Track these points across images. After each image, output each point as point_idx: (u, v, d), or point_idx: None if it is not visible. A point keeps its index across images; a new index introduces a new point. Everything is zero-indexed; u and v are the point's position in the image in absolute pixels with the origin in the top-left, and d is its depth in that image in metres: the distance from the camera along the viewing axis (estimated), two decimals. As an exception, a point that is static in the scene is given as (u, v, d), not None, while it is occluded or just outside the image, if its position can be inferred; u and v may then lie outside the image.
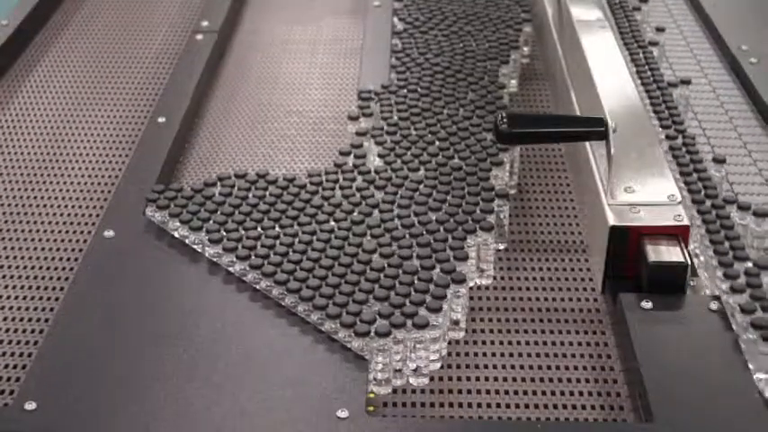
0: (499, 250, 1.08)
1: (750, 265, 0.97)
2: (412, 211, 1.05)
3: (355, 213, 1.05)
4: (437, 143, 1.16)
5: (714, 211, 1.04)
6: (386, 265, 0.97)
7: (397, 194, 1.08)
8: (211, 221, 1.04)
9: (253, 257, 0.99)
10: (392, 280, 0.96)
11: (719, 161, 1.13)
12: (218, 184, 1.10)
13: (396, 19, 1.45)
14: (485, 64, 1.32)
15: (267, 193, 1.08)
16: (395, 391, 0.91)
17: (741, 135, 1.25)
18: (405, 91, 1.26)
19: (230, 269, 1.00)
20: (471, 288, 1.02)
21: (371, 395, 0.89)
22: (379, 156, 1.14)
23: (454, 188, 1.08)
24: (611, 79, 1.20)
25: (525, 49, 1.42)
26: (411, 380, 0.91)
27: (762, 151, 1.22)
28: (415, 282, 0.95)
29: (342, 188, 1.08)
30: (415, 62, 1.33)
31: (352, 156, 1.14)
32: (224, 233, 1.02)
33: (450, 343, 0.95)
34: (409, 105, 1.23)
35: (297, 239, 1.01)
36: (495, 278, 1.05)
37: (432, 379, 0.92)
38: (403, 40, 1.39)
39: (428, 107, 1.23)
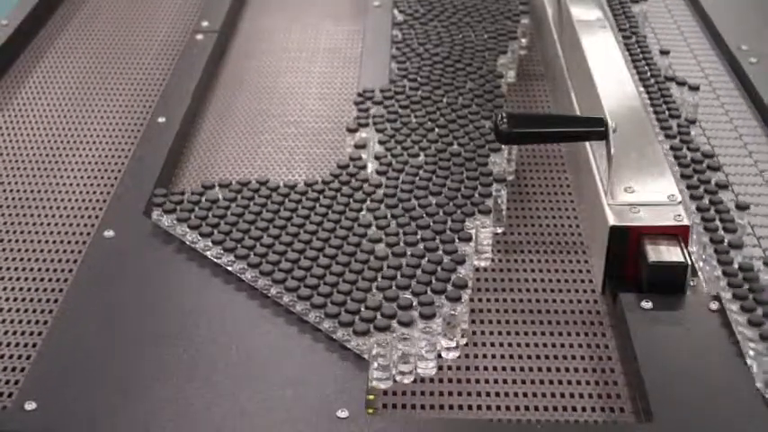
0: (497, 234, 1.09)
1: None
2: (413, 195, 1.07)
3: (363, 212, 1.06)
4: (437, 130, 1.18)
5: (714, 209, 1.04)
6: (391, 257, 0.99)
7: (399, 179, 1.10)
8: (220, 227, 1.03)
9: (264, 263, 0.98)
10: (411, 271, 0.97)
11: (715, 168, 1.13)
12: (225, 189, 1.09)
13: (396, 11, 1.46)
14: (483, 54, 1.34)
15: (269, 201, 1.07)
16: (394, 392, 0.91)
17: (742, 136, 1.25)
18: (405, 81, 1.28)
19: (242, 275, 0.99)
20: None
21: (371, 397, 0.89)
22: (380, 142, 1.16)
23: (453, 173, 1.10)
24: (611, 79, 1.20)
25: (523, 40, 1.44)
26: (420, 369, 0.92)
27: (762, 152, 1.22)
28: (438, 270, 0.96)
29: (343, 195, 1.08)
30: (414, 52, 1.35)
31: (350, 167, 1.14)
32: (235, 241, 1.01)
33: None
34: (408, 95, 1.25)
35: (309, 246, 1.01)
36: (494, 279, 1.05)
37: (432, 380, 0.92)
38: (403, 31, 1.41)
39: (428, 96, 1.25)
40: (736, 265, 0.97)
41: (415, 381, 0.92)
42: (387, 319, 0.91)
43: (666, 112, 1.20)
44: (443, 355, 0.94)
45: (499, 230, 1.10)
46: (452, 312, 0.93)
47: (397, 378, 0.91)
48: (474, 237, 1.02)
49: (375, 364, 0.90)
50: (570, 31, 1.33)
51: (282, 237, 1.02)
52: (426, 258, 0.98)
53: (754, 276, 0.95)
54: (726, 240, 1.00)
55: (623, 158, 1.06)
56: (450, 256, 0.98)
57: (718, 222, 1.02)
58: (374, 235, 1.01)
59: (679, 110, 1.20)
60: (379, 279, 0.96)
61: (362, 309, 0.92)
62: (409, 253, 0.99)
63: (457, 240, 1.01)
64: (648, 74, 1.27)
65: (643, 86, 1.24)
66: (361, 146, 1.16)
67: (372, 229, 1.03)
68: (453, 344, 0.93)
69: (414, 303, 0.92)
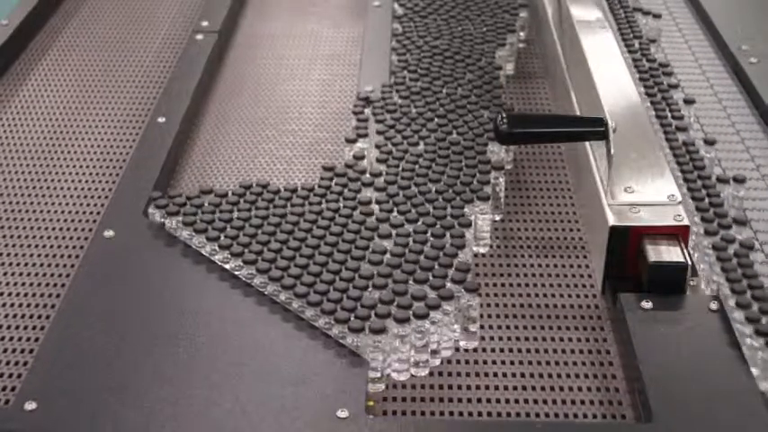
0: (495, 221, 1.11)
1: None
2: (413, 182, 1.09)
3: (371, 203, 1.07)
4: (436, 120, 1.20)
5: (714, 210, 1.04)
6: (395, 246, 1.00)
7: (399, 167, 1.11)
8: (227, 230, 1.03)
9: (260, 261, 0.98)
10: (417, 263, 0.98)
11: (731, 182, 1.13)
12: (228, 194, 1.08)
13: (396, 4, 1.48)
14: (482, 47, 1.36)
15: (271, 205, 1.06)
16: (395, 388, 0.91)
17: (742, 137, 1.25)
18: (405, 72, 1.30)
19: (240, 276, 0.99)
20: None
21: (371, 403, 0.89)
22: (378, 132, 1.17)
23: (452, 161, 1.12)
24: (611, 79, 1.20)
25: (522, 34, 1.45)
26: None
27: (762, 152, 1.22)
28: (441, 256, 0.98)
29: (344, 197, 1.08)
30: (414, 45, 1.37)
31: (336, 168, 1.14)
32: (242, 246, 1.00)
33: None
34: (408, 86, 1.26)
35: (304, 244, 1.01)
36: (493, 282, 1.05)
37: (431, 380, 0.92)
38: (403, 24, 1.42)
39: (427, 87, 1.26)
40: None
41: (414, 379, 0.92)
42: (404, 311, 0.92)
43: (668, 115, 1.21)
44: (462, 344, 0.95)
45: (497, 218, 1.11)
46: (470, 303, 0.94)
47: (412, 371, 0.92)
48: (473, 223, 1.04)
49: (395, 356, 0.90)
50: (570, 31, 1.33)
51: (290, 241, 1.01)
52: (429, 244, 1.00)
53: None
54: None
55: (623, 158, 1.06)
56: (451, 241, 1.00)
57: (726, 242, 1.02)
58: (383, 231, 1.02)
59: (682, 111, 1.21)
60: (397, 272, 0.97)
61: (378, 305, 0.92)
62: (412, 240, 1.00)
63: (456, 226, 1.02)
64: (648, 74, 1.28)
65: (643, 87, 1.25)
66: (359, 157, 1.15)
67: (379, 225, 1.03)
68: (474, 329, 0.95)
69: (431, 295, 0.94)
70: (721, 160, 1.19)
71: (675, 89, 1.26)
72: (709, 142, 1.16)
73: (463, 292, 0.94)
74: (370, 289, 0.95)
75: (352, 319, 0.91)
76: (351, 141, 1.18)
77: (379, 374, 0.90)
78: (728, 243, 0.99)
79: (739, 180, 1.10)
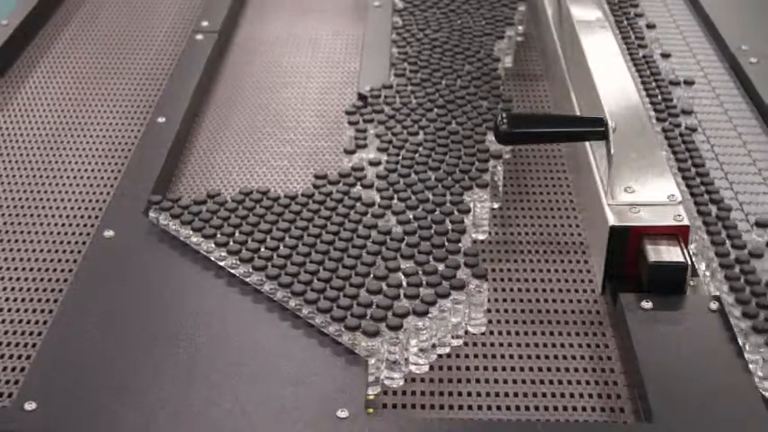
0: (494, 209, 1.13)
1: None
2: (413, 170, 1.11)
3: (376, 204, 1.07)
4: (435, 110, 1.21)
5: (714, 210, 1.04)
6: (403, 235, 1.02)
7: (399, 156, 1.13)
8: (235, 235, 1.02)
9: (255, 259, 0.98)
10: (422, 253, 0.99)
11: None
12: (229, 198, 1.08)
13: None
14: (481, 39, 1.37)
15: (269, 211, 1.06)
16: (394, 392, 0.91)
17: (741, 136, 1.25)
18: (405, 64, 1.31)
19: (235, 273, 0.99)
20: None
21: (370, 403, 0.89)
22: (379, 122, 1.19)
23: (451, 150, 1.14)
24: (611, 79, 1.20)
25: (520, 27, 1.47)
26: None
27: (762, 152, 1.22)
28: (446, 244, 0.99)
29: (344, 205, 1.08)
30: (414, 37, 1.38)
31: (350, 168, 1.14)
32: (251, 251, 1.00)
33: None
34: (409, 78, 1.28)
35: (301, 242, 1.01)
36: (493, 282, 1.05)
37: (431, 380, 0.92)
38: (403, 17, 1.44)
39: (427, 78, 1.28)
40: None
41: (414, 380, 0.92)
42: (425, 305, 0.92)
43: (666, 112, 1.21)
44: (470, 330, 0.96)
45: (496, 206, 1.13)
46: (479, 289, 0.95)
47: (421, 360, 0.93)
48: (472, 210, 1.06)
49: (415, 350, 0.91)
50: (570, 31, 1.33)
51: (299, 246, 1.01)
52: (433, 230, 1.01)
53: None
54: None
55: (623, 158, 1.06)
56: (452, 227, 1.01)
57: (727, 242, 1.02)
58: (396, 235, 1.02)
59: (679, 115, 1.21)
60: (407, 267, 0.97)
61: (395, 304, 0.93)
62: (419, 225, 1.02)
63: (456, 212, 1.04)
64: (649, 74, 1.28)
65: (643, 87, 1.25)
66: (358, 168, 1.13)
67: (391, 226, 1.03)
68: (480, 315, 0.96)
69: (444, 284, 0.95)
70: (722, 161, 1.19)
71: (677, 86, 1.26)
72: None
73: (471, 277, 0.95)
74: (384, 288, 0.95)
75: (363, 323, 0.91)
76: (349, 153, 1.16)
77: (400, 374, 0.90)
78: (735, 248, 1.00)
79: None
